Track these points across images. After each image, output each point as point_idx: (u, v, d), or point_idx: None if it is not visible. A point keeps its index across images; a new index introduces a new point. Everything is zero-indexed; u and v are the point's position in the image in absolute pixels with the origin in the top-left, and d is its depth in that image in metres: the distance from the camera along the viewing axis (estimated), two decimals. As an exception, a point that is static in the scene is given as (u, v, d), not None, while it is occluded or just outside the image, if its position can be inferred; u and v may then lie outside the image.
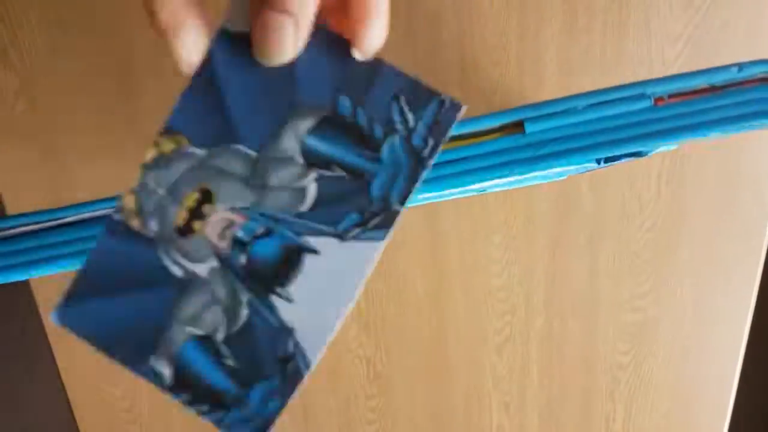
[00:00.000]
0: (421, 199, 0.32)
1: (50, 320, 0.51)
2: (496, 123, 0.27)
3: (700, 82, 0.26)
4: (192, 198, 0.22)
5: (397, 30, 0.45)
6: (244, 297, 0.21)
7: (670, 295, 0.54)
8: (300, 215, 0.21)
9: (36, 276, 0.26)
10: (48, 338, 0.52)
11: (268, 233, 0.21)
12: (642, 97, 0.27)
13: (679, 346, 0.56)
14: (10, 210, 0.47)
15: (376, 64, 0.22)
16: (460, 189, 0.29)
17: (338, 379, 0.55)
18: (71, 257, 0.27)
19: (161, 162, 0.22)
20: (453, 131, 0.23)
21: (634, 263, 0.53)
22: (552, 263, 0.53)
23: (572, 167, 0.38)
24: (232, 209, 0.22)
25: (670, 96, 0.27)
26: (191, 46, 0.22)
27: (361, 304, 0.53)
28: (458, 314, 0.54)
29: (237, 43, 0.22)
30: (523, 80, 0.47)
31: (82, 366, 0.53)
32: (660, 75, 0.47)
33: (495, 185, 0.35)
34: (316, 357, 0.21)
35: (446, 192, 0.30)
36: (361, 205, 0.21)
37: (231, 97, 0.22)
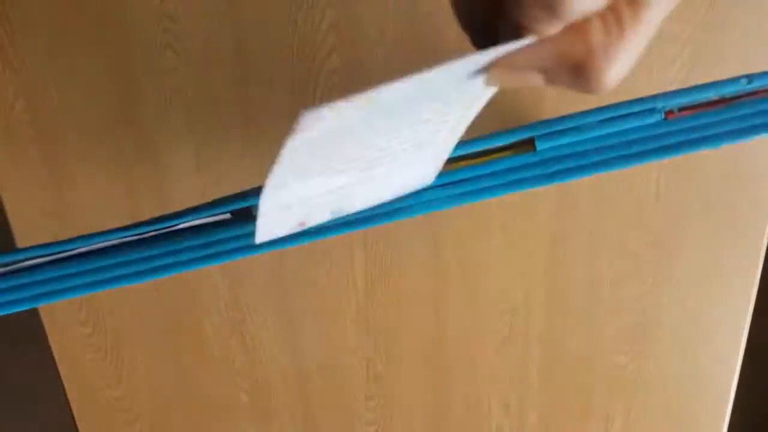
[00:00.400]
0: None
1: (49, 319, 0.51)
2: (506, 141, 0.27)
3: (710, 95, 0.26)
4: None
5: (397, 29, 0.45)
6: None
7: (670, 296, 0.54)
8: None
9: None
10: (48, 338, 0.52)
11: None
12: (653, 111, 0.27)
13: (678, 347, 0.56)
14: (9, 209, 0.47)
15: None
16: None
17: (337, 379, 0.55)
18: (81, 289, 0.27)
19: None
20: (463, 150, 0.23)
21: (633, 264, 0.53)
22: (551, 263, 0.53)
23: None
24: None
25: (681, 109, 0.27)
26: None
27: (361, 304, 0.53)
28: (457, 314, 0.54)
29: None
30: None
31: (81, 366, 0.53)
32: (659, 75, 0.47)
33: None
34: None
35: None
36: None
37: None
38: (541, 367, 0.57)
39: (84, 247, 0.27)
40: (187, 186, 0.48)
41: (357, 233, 0.50)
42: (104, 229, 0.34)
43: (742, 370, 0.58)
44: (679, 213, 0.52)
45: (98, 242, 0.27)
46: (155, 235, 0.28)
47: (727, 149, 0.50)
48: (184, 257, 0.27)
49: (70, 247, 0.27)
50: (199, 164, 0.47)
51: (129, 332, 0.52)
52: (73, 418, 0.55)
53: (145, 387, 0.54)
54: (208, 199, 0.48)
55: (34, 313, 0.51)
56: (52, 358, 0.53)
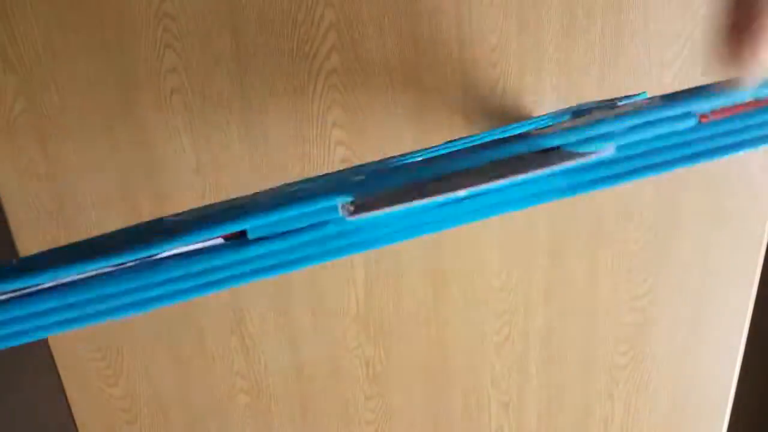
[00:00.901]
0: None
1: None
2: (534, 148, 0.25)
3: (745, 97, 0.25)
4: None
5: (397, 29, 0.45)
6: None
7: (669, 295, 0.54)
8: None
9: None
10: (47, 338, 0.52)
11: None
12: (688, 115, 0.25)
13: (677, 346, 0.56)
14: (9, 209, 0.47)
15: None
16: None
17: (337, 379, 0.55)
18: (56, 326, 0.25)
19: None
20: (488, 160, 0.23)
21: (632, 264, 0.53)
22: (551, 263, 0.53)
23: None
24: None
25: (713, 112, 0.26)
26: None
27: (360, 304, 0.53)
28: (457, 314, 0.54)
29: None
30: (522, 80, 0.47)
31: (81, 366, 0.53)
32: (658, 75, 0.47)
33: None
34: None
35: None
36: None
37: None
38: (541, 367, 0.57)
39: (58, 280, 0.25)
40: (186, 186, 0.48)
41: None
42: (100, 231, 0.33)
43: (743, 369, 0.58)
44: (679, 213, 0.52)
45: (72, 274, 0.25)
46: (139, 264, 0.26)
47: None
48: (172, 288, 0.25)
49: (42, 280, 0.25)
50: (198, 164, 0.47)
51: (129, 332, 0.52)
52: (73, 418, 0.55)
53: (145, 387, 0.54)
54: (208, 199, 0.48)
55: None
56: (52, 358, 0.53)
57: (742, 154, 0.50)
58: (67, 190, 0.47)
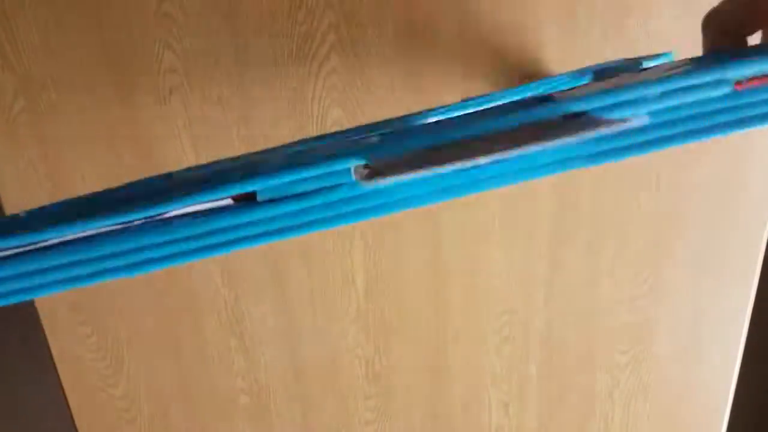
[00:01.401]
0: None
1: (48, 320, 0.51)
2: (558, 113, 0.24)
3: None
4: None
5: (397, 29, 0.45)
6: None
7: (669, 295, 0.54)
8: None
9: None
10: (47, 338, 0.52)
11: None
12: (721, 82, 0.24)
13: (677, 346, 0.56)
14: (9, 209, 0.47)
15: None
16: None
17: (337, 379, 0.55)
18: (61, 284, 0.24)
19: None
20: (510, 125, 0.21)
21: (633, 264, 0.53)
22: (551, 263, 0.53)
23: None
24: None
25: (748, 80, 0.24)
26: None
27: (360, 304, 0.53)
28: (457, 314, 0.54)
29: None
30: (523, 80, 0.47)
31: (81, 366, 0.53)
32: (659, 75, 0.47)
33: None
34: None
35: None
36: None
37: None
38: (541, 367, 0.57)
39: (61, 237, 0.24)
40: (186, 186, 0.48)
41: (356, 233, 0.50)
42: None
43: (742, 368, 0.58)
44: (679, 212, 0.52)
45: (77, 232, 0.24)
46: (146, 223, 0.25)
47: (726, 146, 0.50)
48: (178, 248, 0.25)
49: (45, 236, 0.24)
50: (198, 164, 0.47)
51: (129, 332, 0.52)
52: (73, 418, 0.55)
53: (145, 387, 0.54)
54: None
55: (33, 312, 0.51)
56: (52, 358, 0.53)
57: (741, 152, 0.50)
58: (67, 190, 0.47)
